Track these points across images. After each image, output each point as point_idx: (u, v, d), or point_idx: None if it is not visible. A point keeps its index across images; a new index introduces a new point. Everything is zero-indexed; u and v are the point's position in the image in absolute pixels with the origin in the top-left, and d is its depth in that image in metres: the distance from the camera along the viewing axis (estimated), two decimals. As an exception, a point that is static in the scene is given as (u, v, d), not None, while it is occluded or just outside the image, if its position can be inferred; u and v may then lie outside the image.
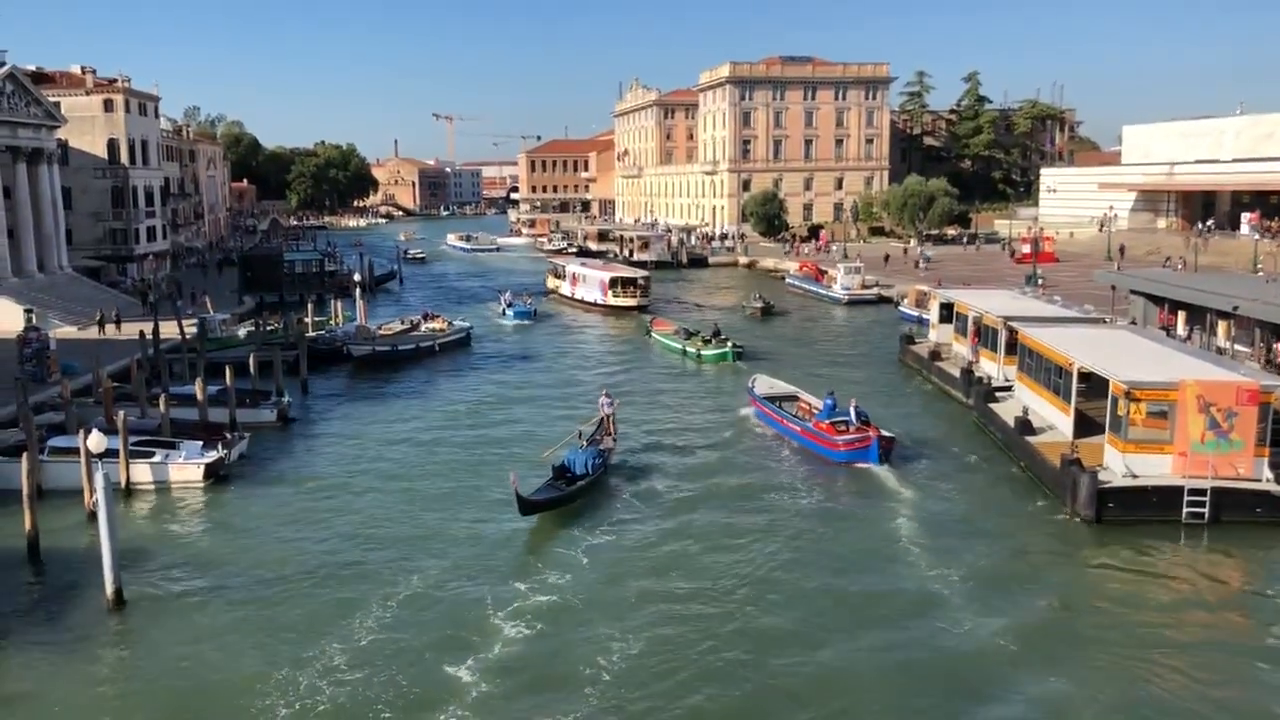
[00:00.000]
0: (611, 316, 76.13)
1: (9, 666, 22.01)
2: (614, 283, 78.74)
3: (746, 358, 54.93)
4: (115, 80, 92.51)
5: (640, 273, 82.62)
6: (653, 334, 63.67)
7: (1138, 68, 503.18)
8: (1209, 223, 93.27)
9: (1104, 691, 20.28)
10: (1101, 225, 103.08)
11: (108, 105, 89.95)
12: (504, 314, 74.12)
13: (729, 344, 56.06)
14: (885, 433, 35.77)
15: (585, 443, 34.23)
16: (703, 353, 56.18)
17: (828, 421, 36.64)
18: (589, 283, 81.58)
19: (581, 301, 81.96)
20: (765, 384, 43.62)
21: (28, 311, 59.47)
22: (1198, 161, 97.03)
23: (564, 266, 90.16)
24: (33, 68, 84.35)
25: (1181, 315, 48.87)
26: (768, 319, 70.80)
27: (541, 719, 19.52)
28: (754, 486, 33.69)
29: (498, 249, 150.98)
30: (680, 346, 58.78)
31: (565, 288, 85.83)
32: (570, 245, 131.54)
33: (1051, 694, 20.21)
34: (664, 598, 24.81)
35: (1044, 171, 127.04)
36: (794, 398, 41.73)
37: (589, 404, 45.10)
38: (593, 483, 32.38)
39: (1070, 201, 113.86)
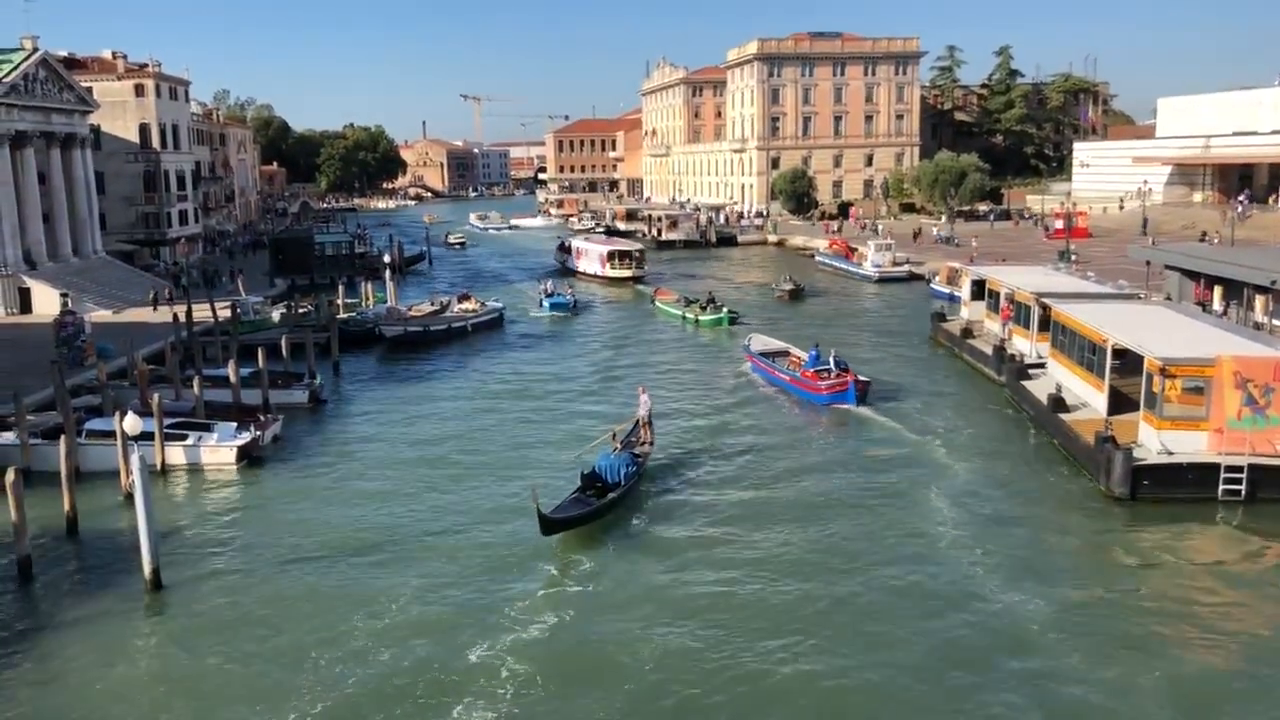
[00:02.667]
0: (611, 286, 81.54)
1: (50, 646, 22.38)
2: (611, 255, 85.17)
3: (759, 324, 58.31)
4: (146, 65, 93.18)
5: (636, 246, 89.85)
6: (656, 302, 68.74)
7: (1172, 39, 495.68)
8: (1243, 196, 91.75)
9: (1139, 669, 20.14)
10: (1122, 203, 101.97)
11: (139, 90, 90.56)
12: (540, 304, 69.20)
13: (724, 310, 61.29)
14: (861, 377, 40.98)
15: (619, 444, 32.24)
16: (700, 318, 61.42)
17: (812, 370, 41.89)
18: (590, 256, 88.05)
19: (584, 273, 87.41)
20: (760, 342, 49.08)
21: (63, 295, 60.29)
22: (1234, 134, 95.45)
23: (568, 241, 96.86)
24: (65, 53, 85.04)
25: (1218, 290, 48.20)
26: (797, 301, 70.18)
27: (568, 705, 19.56)
28: (773, 452, 34.01)
29: (511, 227, 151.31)
30: (680, 313, 64.00)
31: (570, 261, 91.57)
32: (598, 225, 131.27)
33: (1085, 671, 20.09)
34: (697, 582, 24.82)
35: (1077, 146, 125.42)
36: (785, 353, 46.95)
37: (616, 378, 47.17)
38: (625, 493, 29.44)
39: (1104, 176, 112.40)
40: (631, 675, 20.43)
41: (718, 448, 35.70)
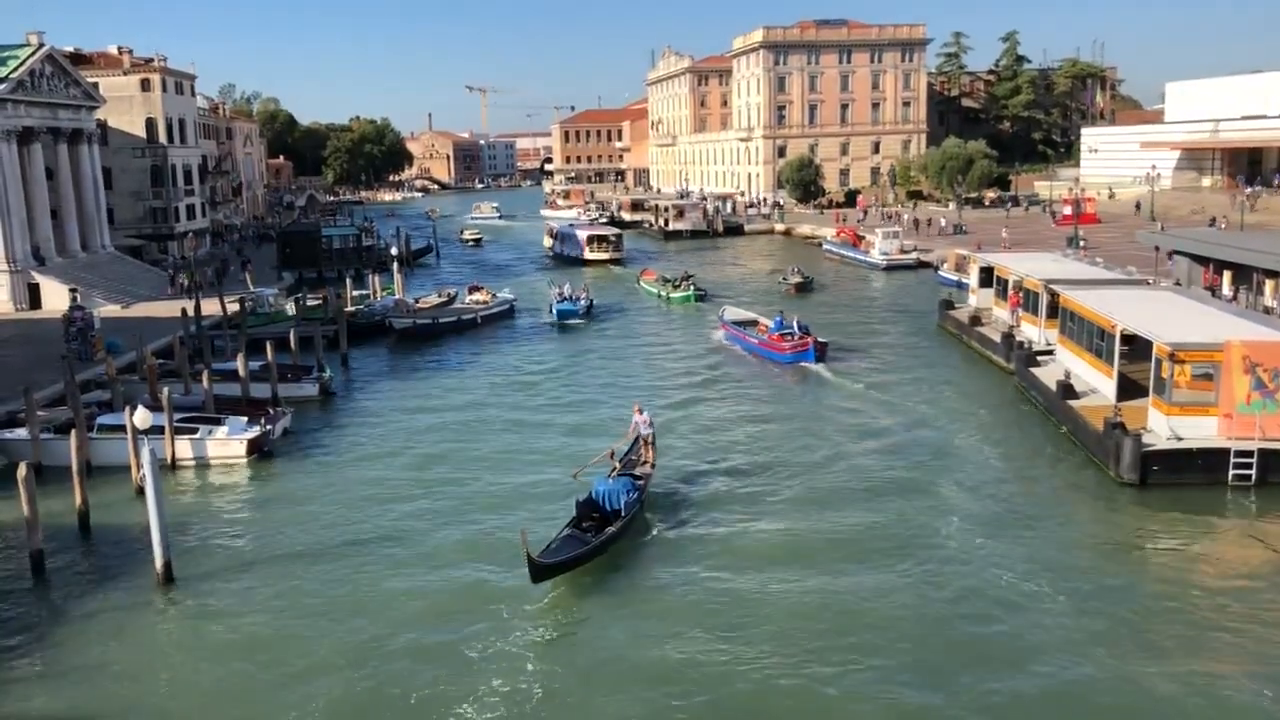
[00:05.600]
0: (592, 269, 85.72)
1: (63, 638, 22.49)
2: (591, 240, 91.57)
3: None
4: (152, 60, 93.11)
5: (614, 231, 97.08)
6: (640, 282, 74.12)
7: (1180, 24, 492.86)
8: (1248, 181, 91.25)
9: (1150, 655, 20.12)
10: (1111, 193, 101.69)
11: (145, 85, 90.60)
12: (551, 309, 63.44)
13: (691, 288, 67.29)
14: (820, 339, 46.27)
15: (619, 465, 29.06)
16: (671, 296, 67.53)
17: (777, 334, 47.29)
18: (571, 241, 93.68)
19: (566, 257, 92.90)
20: (732, 312, 54.96)
21: (72, 291, 60.36)
22: (1243, 118, 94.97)
23: (554, 227, 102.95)
24: (71, 49, 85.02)
25: (1227, 275, 48.03)
26: (804, 293, 68.41)
27: (578, 712, 19.45)
28: (774, 445, 33.82)
29: (500, 218, 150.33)
30: (656, 291, 69.83)
31: (558, 247, 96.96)
32: (603, 215, 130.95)
33: (1095, 658, 20.07)
34: (708, 589, 24.78)
35: (1085, 131, 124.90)
36: (755, 321, 52.32)
37: (617, 361, 48.93)
38: (626, 525, 26.33)
39: (1112, 162, 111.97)
40: (654, 690, 20.36)
41: (713, 430, 36.13)
